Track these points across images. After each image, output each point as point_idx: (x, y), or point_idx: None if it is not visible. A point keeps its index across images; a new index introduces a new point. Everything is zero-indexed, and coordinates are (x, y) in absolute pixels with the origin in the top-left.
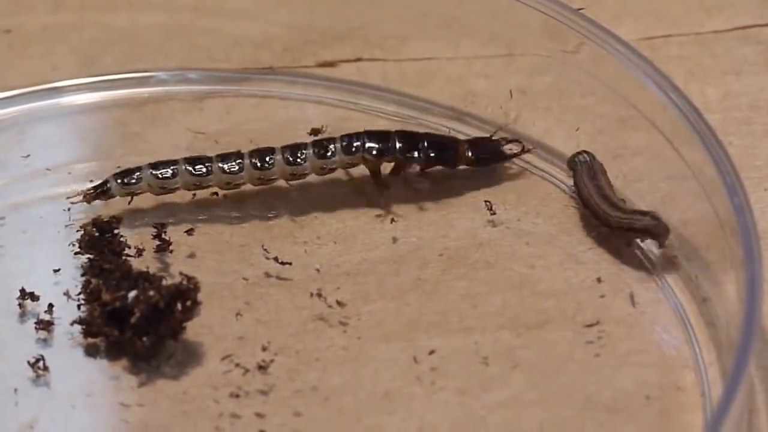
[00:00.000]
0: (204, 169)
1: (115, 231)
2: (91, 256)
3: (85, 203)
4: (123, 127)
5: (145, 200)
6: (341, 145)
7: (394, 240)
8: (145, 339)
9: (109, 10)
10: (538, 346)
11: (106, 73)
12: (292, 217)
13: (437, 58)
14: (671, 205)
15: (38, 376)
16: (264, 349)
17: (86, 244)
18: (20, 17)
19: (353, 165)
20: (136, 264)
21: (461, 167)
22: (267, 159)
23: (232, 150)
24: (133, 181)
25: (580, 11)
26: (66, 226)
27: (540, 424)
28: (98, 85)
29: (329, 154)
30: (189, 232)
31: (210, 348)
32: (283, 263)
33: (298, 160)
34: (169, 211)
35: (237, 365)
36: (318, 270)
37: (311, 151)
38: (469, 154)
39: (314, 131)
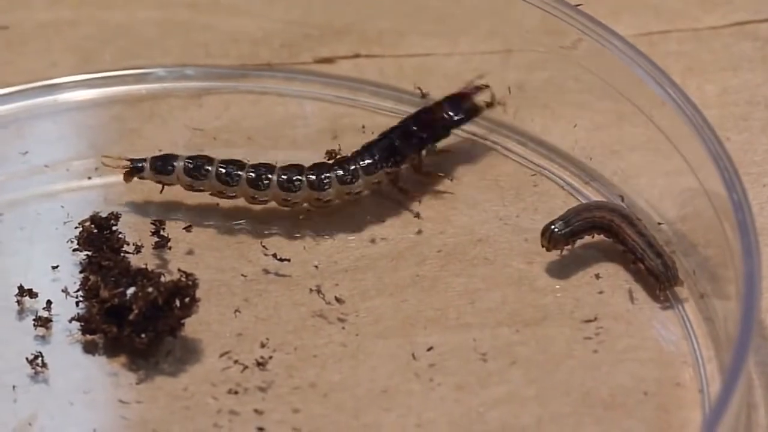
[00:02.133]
0: (230, 179)
1: (114, 228)
2: (89, 253)
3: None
4: (121, 123)
5: (144, 196)
6: (360, 167)
7: (393, 236)
8: (143, 336)
9: (107, 6)
10: (536, 342)
11: (104, 69)
12: (291, 213)
13: (435, 54)
14: (669, 200)
15: (37, 373)
16: (262, 345)
17: (84, 240)
18: (17, 13)
19: (379, 183)
20: (135, 261)
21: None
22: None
23: (231, 147)
24: (165, 171)
25: (578, 7)
26: (64, 222)
27: (538, 420)
28: (96, 82)
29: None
30: (187, 228)
31: (208, 345)
32: (281, 260)
33: (323, 186)
34: (168, 208)
35: (235, 362)
36: (316, 266)
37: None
38: (451, 115)
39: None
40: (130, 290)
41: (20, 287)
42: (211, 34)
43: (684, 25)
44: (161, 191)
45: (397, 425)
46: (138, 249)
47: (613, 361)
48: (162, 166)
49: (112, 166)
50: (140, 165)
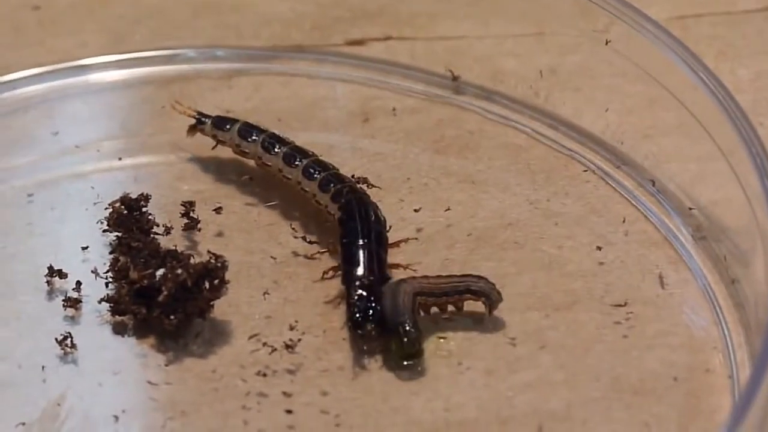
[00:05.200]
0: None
1: (144, 209)
2: (119, 234)
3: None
4: (151, 104)
5: (174, 177)
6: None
7: (423, 220)
8: (172, 317)
9: None
10: (566, 327)
11: (135, 50)
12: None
13: (467, 36)
14: (701, 185)
15: (66, 354)
16: (291, 328)
17: (114, 221)
18: None
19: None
20: (164, 242)
21: None
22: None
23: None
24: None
25: None
26: (94, 203)
27: (567, 405)
28: (126, 63)
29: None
30: (217, 210)
31: (237, 327)
32: (311, 242)
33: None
34: (198, 190)
35: (264, 344)
36: None
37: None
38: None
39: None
40: (160, 272)
41: (50, 268)
42: (242, 16)
43: (717, 8)
44: (213, 148)
45: (425, 409)
46: (168, 230)
47: (643, 347)
48: (220, 122)
49: (180, 113)
50: (203, 119)
